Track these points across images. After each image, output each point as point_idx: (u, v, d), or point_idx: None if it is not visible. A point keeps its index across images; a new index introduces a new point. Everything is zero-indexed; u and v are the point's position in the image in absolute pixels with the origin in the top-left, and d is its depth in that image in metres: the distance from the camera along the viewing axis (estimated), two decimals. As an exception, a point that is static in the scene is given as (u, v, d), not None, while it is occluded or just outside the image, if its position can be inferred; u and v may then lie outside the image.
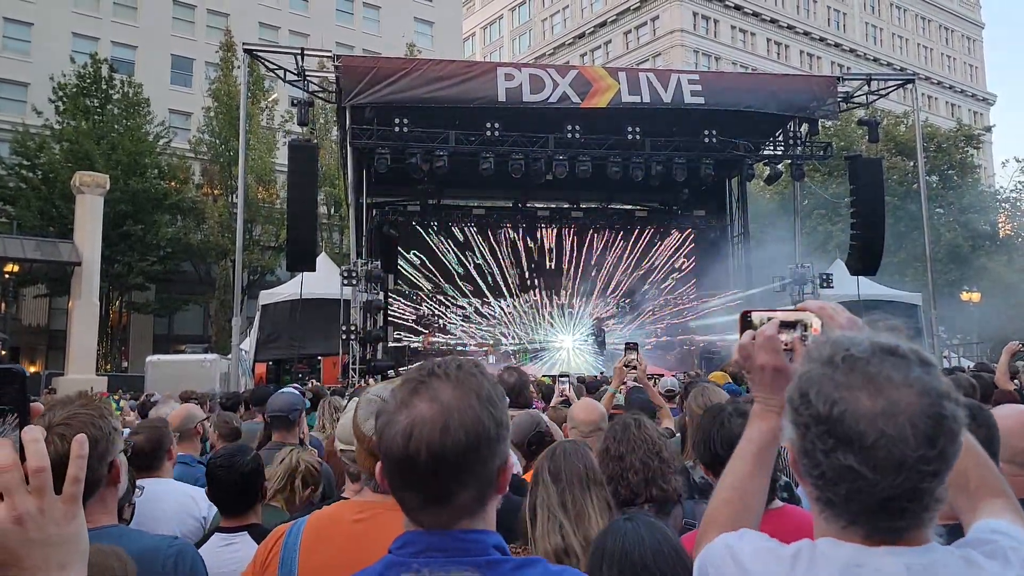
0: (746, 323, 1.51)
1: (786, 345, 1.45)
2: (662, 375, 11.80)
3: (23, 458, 0.96)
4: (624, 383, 5.77)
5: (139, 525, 2.52)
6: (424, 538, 1.28)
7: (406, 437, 1.23)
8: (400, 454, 1.24)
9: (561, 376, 7.04)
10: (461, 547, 1.27)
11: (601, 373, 16.96)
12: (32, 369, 32.95)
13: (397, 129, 17.42)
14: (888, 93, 21.34)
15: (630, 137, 18.26)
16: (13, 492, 0.94)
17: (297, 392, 5.52)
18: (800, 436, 1.16)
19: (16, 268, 26.17)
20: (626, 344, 5.28)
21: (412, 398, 1.28)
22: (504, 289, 22.49)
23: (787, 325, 1.47)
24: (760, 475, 1.49)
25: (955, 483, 1.42)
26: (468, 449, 1.24)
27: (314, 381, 12.20)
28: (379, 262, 19.29)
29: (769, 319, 1.49)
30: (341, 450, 2.45)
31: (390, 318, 20.94)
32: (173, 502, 3.39)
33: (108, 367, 31.24)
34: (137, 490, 2.44)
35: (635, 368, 5.09)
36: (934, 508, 1.13)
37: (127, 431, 5.86)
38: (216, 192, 35.81)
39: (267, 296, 21.69)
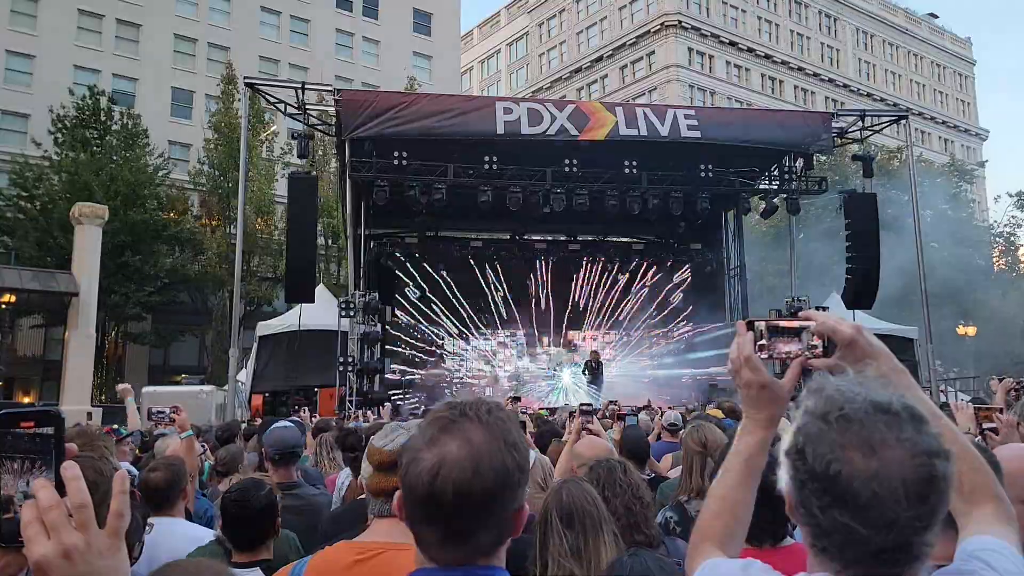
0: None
1: (787, 356, 1.49)
2: (662, 409, 11.79)
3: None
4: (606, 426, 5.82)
5: (151, 566, 2.50)
6: (441, 575, 1.32)
7: (432, 475, 1.27)
8: (425, 491, 1.27)
9: (583, 406, 7.02)
10: None
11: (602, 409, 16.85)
12: (26, 399, 32.80)
13: (396, 162, 17.51)
14: (882, 129, 21.53)
15: (627, 171, 18.37)
16: (59, 528, 0.99)
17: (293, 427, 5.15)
18: (797, 489, 1.21)
19: (12, 298, 26.11)
20: (580, 406, 5.04)
21: (442, 436, 1.30)
22: (502, 321, 22.47)
23: (790, 334, 1.49)
24: (748, 487, 1.54)
25: None
26: (494, 492, 1.27)
27: (306, 409, 12.02)
28: (377, 294, 19.30)
29: (769, 328, 1.51)
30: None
31: (388, 350, 20.90)
32: (188, 546, 3.39)
33: (103, 398, 31.05)
34: (148, 527, 2.45)
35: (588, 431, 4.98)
36: (925, 554, 1.18)
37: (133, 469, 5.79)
38: (214, 223, 35.89)
39: (264, 327, 21.66)
